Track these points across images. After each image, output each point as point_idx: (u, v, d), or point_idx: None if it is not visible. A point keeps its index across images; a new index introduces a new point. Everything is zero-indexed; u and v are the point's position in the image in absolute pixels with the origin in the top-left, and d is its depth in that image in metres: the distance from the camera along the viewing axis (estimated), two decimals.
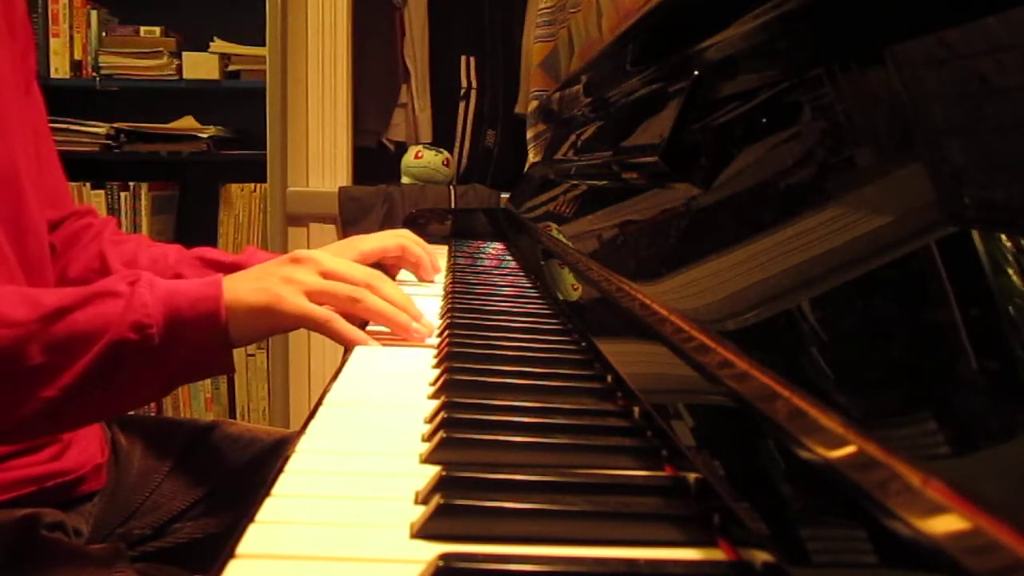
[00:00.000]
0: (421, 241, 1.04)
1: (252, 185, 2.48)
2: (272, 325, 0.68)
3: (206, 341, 0.65)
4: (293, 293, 0.68)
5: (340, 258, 0.76)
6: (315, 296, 0.69)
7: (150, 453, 0.92)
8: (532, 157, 1.91)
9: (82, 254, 0.91)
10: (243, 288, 0.67)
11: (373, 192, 2.15)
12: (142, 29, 2.50)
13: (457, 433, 0.47)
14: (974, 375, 0.28)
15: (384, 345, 0.71)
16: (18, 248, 0.76)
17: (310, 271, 0.71)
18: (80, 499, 0.82)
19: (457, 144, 2.35)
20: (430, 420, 0.51)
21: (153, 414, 2.45)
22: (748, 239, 0.49)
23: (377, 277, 0.74)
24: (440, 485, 0.40)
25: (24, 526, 0.72)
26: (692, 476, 0.42)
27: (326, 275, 0.71)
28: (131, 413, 1.01)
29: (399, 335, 0.73)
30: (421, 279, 1.05)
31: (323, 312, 0.69)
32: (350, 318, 0.72)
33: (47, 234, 0.86)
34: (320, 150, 2.21)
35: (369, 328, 0.73)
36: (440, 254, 1.17)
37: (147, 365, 0.64)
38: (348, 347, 0.70)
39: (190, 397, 2.52)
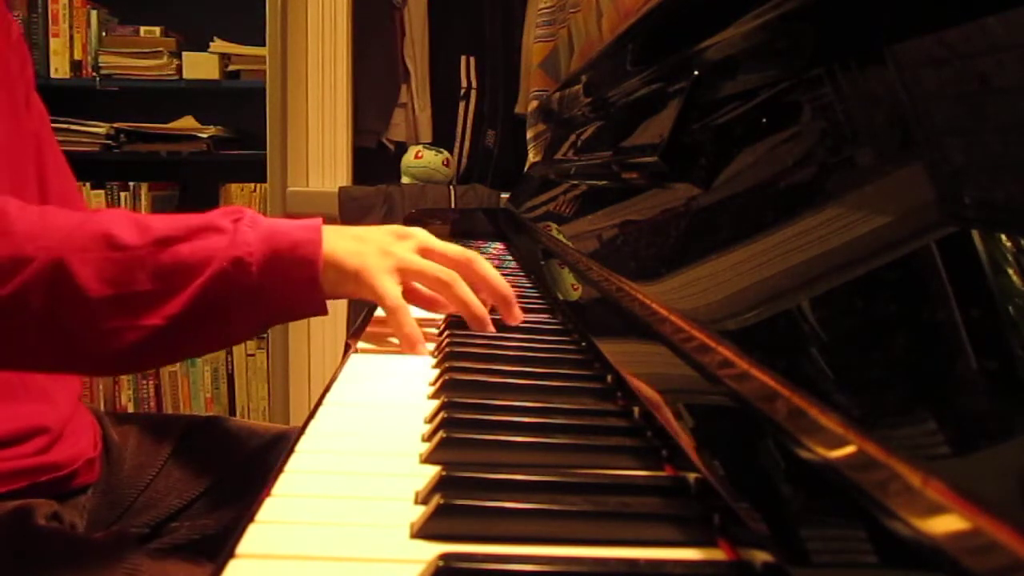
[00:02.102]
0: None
1: (252, 185, 2.49)
2: (354, 291, 0.69)
3: (301, 283, 0.66)
4: (383, 268, 0.69)
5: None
6: (406, 274, 0.71)
7: (144, 448, 0.92)
8: (532, 157, 1.91)
9: None
10: (341, 245, 0.68)
11: (373, 192, 2.15)
12: (142, 29, 2.50)
13: (457, 433, 0.47)
14: (974, 375, 0.28)
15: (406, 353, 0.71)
16: None
17: (409, 247, 0.72)
18: (73, 492, 0.82)
19: (457, 144, 2.36)
20: (430, 420, 0.51)
21: (152, 410, 2.45)
22: (748, 239, 0.48)
23: (475, 260, 0.75)
24: (440, 485, 0.40)
25: (19, 517, 0.72)
26: (692, 476, 0.42)
27: (424, 252, 0.73)
28: (130, 412, 1.01)
29: (474, 327, 0.74)
30: None
31: (395, 300, 0.69)
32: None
33: None
34: (320, 150, 2.21)
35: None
36: None
37: (245, 301, 0.65)
38: (407, 343, 0.70)
39: (190, 396, 2.52)
